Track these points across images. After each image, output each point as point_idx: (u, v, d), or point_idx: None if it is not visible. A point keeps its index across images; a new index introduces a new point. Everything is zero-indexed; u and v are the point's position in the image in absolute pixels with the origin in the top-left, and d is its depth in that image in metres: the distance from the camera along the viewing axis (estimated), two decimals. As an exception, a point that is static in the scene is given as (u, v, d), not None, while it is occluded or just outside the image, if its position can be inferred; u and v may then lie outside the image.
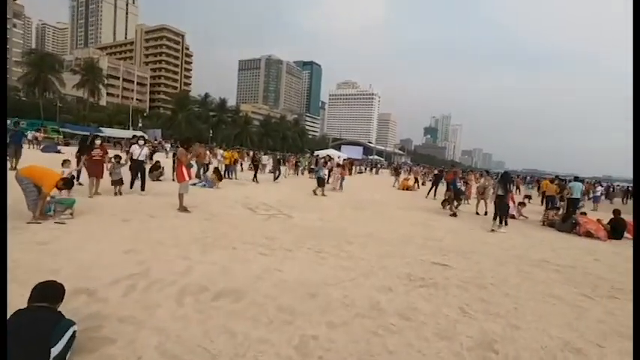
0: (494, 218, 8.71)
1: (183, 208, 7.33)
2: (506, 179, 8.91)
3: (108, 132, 46.04)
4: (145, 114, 69.70)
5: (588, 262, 6.37)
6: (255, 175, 15.59)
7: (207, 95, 73.91)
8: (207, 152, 15.90)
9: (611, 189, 26.62)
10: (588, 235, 8.95)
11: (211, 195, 10.26)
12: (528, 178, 39.71)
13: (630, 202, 25.93)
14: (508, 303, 3.98)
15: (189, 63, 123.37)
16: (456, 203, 11.17)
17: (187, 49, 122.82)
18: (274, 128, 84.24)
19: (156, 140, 40.15)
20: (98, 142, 8.45)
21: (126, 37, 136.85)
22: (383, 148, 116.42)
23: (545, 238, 8.48)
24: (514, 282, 4.77)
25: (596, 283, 5.09)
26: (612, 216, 9.62)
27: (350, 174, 25.58)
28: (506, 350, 2.92)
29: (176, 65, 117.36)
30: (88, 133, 25.28)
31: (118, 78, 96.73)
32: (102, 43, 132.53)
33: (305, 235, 6.36)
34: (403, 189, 19.56)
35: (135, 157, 9.02)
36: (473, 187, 14.95)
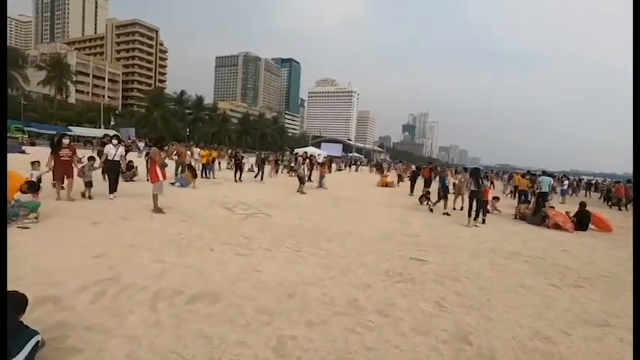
0: (469, 214, 8.88)
1: (157, 210, 7.11)
2: (477, 175, 9.12)
3: (78, 131, 44.12)
4: (117, 112, 67.15)
5: (556, 253, 6.66)
6: (239, 175, 15.07)
7: (183, 92, 72.08)
8: (189, 152, 15.18)
9: (575, 183, 27.92)
10: (557, 227, 9.36)
11: (188, 195, 10.02)
12: (502, 173, 41.14)
13: (593, 194, 27.35)
14: (482, 295, 4.10)
15: (163, 59, 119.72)
16: (442, 202, 11.03)
17: (161, 44, 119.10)
18: (253, 126, 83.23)
19: (129, 139, 38.78)
20: (66, 141, 7.81)
21: (95, 32, 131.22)
22: (362, 145, 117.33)
23: (517, 231, 8.79)
24: (487, 274, 4.91)
25: (564, 272, 5.32)
26: (578, 208, 10.10)
27: (330, 172, 25.65)
28: (480, 341, 3.00)
29: (150, 61, 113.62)
30: (55, 133, 24.12)
31: (88, 74, 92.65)
32: (69, 38, 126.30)
33: (284, 234, 6.31)
34: (383, 186, 19.80)
35: (110, 158, 8.29)
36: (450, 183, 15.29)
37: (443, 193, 11.12)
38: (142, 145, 27.59)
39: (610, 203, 19.95)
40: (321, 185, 15.28)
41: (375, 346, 2.80)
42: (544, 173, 12.28)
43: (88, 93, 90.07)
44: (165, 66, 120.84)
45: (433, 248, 6.16)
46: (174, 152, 14.25)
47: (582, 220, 9.71)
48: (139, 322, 2.87)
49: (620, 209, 18.34)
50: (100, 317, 2.88)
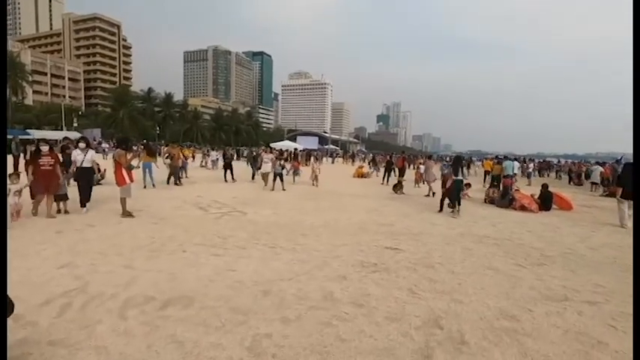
0: (454, 205, 8.61)
1: (126, 214, 6.87)
2: (458, 163, 8.87)
3: (37, 134, 41.52)
4: (80, 112, 63.84)
5: (522, 234, 6.99)
6: (230, 174, 14.22)
7: (150, 90, 69.47)
8: (182, 153, 13.74)
9: (540, 166, 29.18)
10: (523, 208, 9.82)
11: (159, 196, 9.73)
12: (474, 159, 42.53)
13: (552, 175, 28.75)
14: (453, 280, 4.26)
15: (127, 55, 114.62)
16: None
17: (125, 40, 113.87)
18: (226, 122, 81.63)
19: (95, 140, 37.04)
20: (45, 148, 6.71)
21: (51, 28, 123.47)
22: (338, 137, 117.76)
23: (486, 215, 9.14)
24: (459, 259, 5.10)
25: (528, 252, 5.61)
26: (541, 190, 10.63)
27: (306, 165, 25.62)
28: (450, 325, 3.13)
29: (113, 58, 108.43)
30: (12, 137, 22.65)
31: (46, 74, 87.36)
32: (22, 35, 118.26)
33: (259, 231, 6.27)
34: (358, 177, 20.01)
35: (80, 165, 7.17)
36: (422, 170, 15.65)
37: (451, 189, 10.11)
38: (105, 146, 26.07)
39: (572, 182, 21.14)
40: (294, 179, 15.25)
41: (350, 338, 2.85)
42: (506, 158, 12.80)
43: (46, 94, 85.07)
44: (130, 62, 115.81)
45: (407, 236, 6.32)
46: (166, 155, 13.51)
47: (545, 201, 10.23)
48: (107, 332, 2.78)
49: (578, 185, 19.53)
50: (65, 331, 2.77)
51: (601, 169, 17.34)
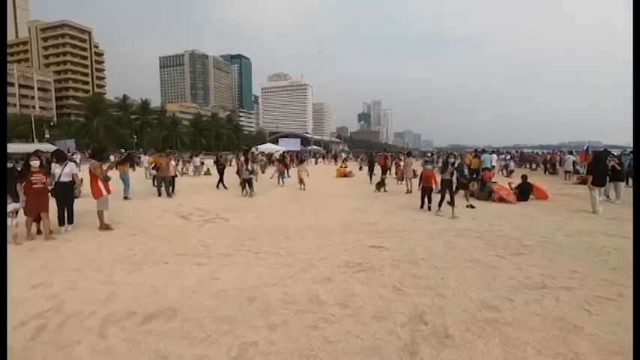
0: (452, 205, 8.00)
1: (104, 226, 6.67)
2: (447, 163, 8.41)
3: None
4: (52, 123, 61.53)
5: (501, 224, 7.19)
6: (220, 181, 13.75)
7: (126, 97, 67.68)
8: (173, 162, 12.35)
9: (517, 157, 30.02)
10: (502, 200, 10.10)
11: (138, 207, 9.49)
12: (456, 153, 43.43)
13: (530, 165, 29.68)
14: (436, 274, 4.33)
15: (100, 63, 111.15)
16: (462, 192, 9.55)
17: (96, 47, 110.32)
18: (206, 127, 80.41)
19: (69, 152, 35.77)
20: (36, 163, 6.01)
21: (17, 36, 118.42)
22: (320, 137, 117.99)
23: (467, 207, 9.35)
24: (441, 253, 5.20)
25: (507, 243, 5.77)
26: (521, 181, 10.97)
27: (291, 166, 25.52)
28: (434, 319, 3.18)
29: (85, 66, 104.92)
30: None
31: (13, 84, 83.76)
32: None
33: (243, 236, 6.21)
34: (341, 176, 20.09)
35: (57, 179, 6.55)
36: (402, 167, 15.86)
37: (461, 183, 9.51)
38: (77, 157, 24.85)
39: (547, 172, 21.91)
40: (280, 182, 15.17)
41: (337, 339, 2.86)
42: (484, 151, 13.14)
43: (15, 105, 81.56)
44: (103, 70, 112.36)
45: (391, 234, 6.39)
46: (152, 166, 12.88)
47: (523, 192, 10.56)
48: (87, 352, 2.69)
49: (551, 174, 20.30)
50: (41, 354, 2.66)
51: (573, 158, 18.04)
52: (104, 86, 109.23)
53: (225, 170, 14.29)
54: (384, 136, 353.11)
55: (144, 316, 3.25)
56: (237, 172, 13.05)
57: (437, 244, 5.75)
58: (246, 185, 11.53)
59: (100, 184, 6.60)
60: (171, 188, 11.68)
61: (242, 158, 12.36)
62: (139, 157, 25.51)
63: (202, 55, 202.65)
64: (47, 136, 48.60)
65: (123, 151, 34.63)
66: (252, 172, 11.91)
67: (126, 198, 10.75)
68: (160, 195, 11.41)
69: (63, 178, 6.59)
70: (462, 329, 3.00)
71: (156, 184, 12.74)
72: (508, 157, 23.48)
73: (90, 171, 6.71)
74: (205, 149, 68.45)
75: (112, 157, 19.19)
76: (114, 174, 8.36)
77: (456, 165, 8.42)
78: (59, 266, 4.62)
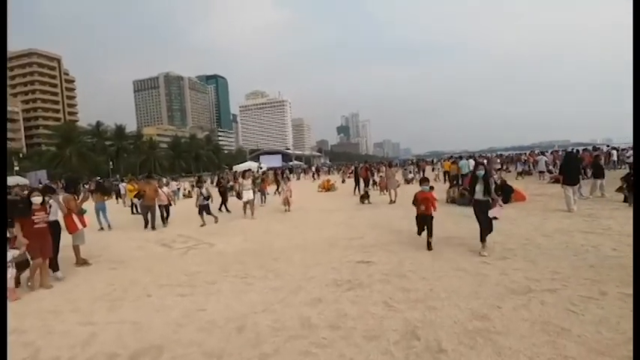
0: (483, 236, 5.72)
1: (81, 262, 6.38)
2: (475, 177, 6.07)
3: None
4: (21, 155, 59.15)
5: (484, 230, 7.32)
6: (223, 204, 12.90)
7: (99, 123, 66.02)
8: (162, 190, 10.93)
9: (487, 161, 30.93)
10: (482, 204, 10.33)
11: (116, 238, 9.15)
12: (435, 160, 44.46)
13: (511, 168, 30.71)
14: (425, 286, 4.35)
15: (71, 90, 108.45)
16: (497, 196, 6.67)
17: (67, 74, 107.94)
18: (185, 149, 79.34)
19: (40, 184, 34.35)
20: (38, 200, 5.28)
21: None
22: (301, 152, 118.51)
23: (449, 213, 9.51)
24: (428, 264, 5.23)
25: (491, 247, 5.86)
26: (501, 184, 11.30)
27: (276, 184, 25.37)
28: (427, 334, 3.17)
29: (55, 94, 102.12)
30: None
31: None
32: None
33: (229, 261, 6.07)
34: (324, 190, 20.12)
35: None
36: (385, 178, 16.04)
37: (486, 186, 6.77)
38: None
39: (522, 175, 22.66)
40: (263, 201, 15.01)
41: (331, 364, 2.80)
42: (460, 158, 13.50)
43: (-20, 137, 77.98)
44: (75, 97, 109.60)
45: (377, 248, 6.39)
46: (135, 193, 11.98)
47: (505, 194, 10.89)
48: (66, 403, 2.52)
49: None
50: (15, 410, 2.47)
51: (545, 158, 18.78)
52: (76, 113, 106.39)
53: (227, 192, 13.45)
54: (363, 147, 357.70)
55: (127, 358, 3.09)
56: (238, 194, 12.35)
57: (423, 254, 5.78)
58: (203, 213, 10.22)
59: (75, 218, 6.34)
60: (166, 217, 10.67)
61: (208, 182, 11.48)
62: (120, 186, 24.59)
63: (177, 77, 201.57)
64: (17, 168, 46.56)
65: (99, 179, 33.60)
66: (207, 197, 10.42)
67: (101, 229, 10.36)
68: (146, 227, 10.11)
69: (52, 217, 5.76)
70: (455, 342, 3.00)
71: (138, 211, 12.20)
72: (485, 161, 24.19)
73: (64, 204, 6.43)
74: (185, 171, 67.45)
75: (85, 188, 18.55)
76: (89, 205, 8.07)
77: (482, 175, 5.79)
78: (34, 309, 4.36)
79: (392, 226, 8.37)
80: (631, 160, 16.80)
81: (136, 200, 11.83)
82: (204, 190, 10.42)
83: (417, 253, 5.88)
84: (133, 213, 14.22)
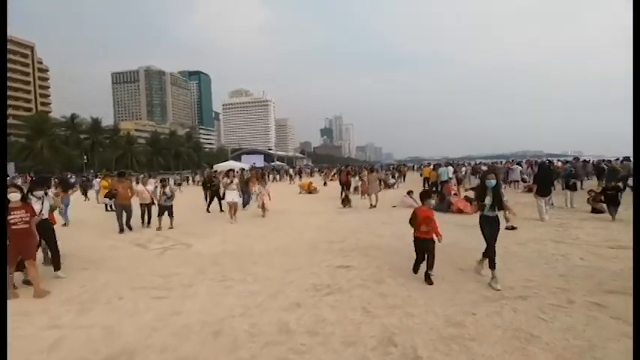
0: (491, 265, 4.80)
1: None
2: (484, 186, 5.21)
3: None
4: (-13, 145, 56.04)
5: (459, 236, 7.51)
6: (210, 204, 12.21)
7: (74, 116, 63.46)
8: (150, 186, 10.12)
9: (472, 169, 31.85)
10: (460, 211, 10.61)
11: (89, 236, 8.81)
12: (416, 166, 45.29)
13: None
14: (403, 292, 4.41)
15: (44, 79, 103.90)
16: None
17: (40, 62, 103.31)
18: (164, 145, 77.38)
19: (8, 177, 32.66)
20: (16, 196, 4.70)
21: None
22: (284, 153, 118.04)
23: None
24: (407, 270, 5.29)
25: (466, 255, 6.01)
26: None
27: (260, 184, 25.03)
28: (404, 340, 3.21)
29: (27, 83, 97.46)
30: None
31: (-60, 103, 75.67)
32: None
33: (206, 263, 5.95)
34: (306, 192, 20.11)
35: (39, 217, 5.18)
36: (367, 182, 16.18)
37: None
38: (20, 181, 22.45)
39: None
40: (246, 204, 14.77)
41: (308, 371, 2.79)
42: (438, 165, 13.82)
43: (-58, 125, 73.48)
44: (48, 87, 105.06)
45: (357, 252, 6.43)
46: (107, 192, 10.92)
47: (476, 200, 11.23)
48: (28, 413, 2.39)
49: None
50: (-29, 421, 2.33)
51: (520, 168, 19.46)
52: (49, 104, 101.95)
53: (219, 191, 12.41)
54: (346, 151, 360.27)
55: (97, 364, 2.97)
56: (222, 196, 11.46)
57: (402, 260, 5.84)
58: (164, 214, 9.42)
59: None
60: (148, 219, 9.86)
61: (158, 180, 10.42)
62: (88, 179, 23.66)
63: (159, 72, 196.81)
64: (-18, 159, 44.05)
65: (68, 175, 32.25)
66: (170, 197, 9.52)
67: (65, 225, 9.92)
68: (121, 231, 9.08)
69: (45, 215, 5.39)
70: (431, 349, 3.06)
71: (112, 209, 11.60)
72: (463, 168, 24.82)
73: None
74: (163, 168, 65.84)
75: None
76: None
77: (492, 186, 4.93)
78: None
79: (372, 231, 8.45)
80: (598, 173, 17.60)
81: (106, 200, 11.01)
82: (167, 190, 9.55)
83: (395, 257, 5.95)
84: (107, 210, 13.75)
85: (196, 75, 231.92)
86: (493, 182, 4.92)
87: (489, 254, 4.79)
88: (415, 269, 5.03)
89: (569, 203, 11.04)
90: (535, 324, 3.46)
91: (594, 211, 9.78)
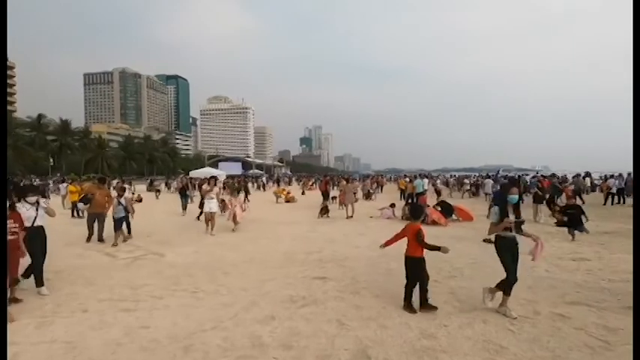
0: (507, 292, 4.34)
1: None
2: (505, 202, 4.68)
3: None
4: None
5: (435, 248, 7.67)
6: (202, 213, 10.77)
7: (41, 116, 60.50)
8: (128, 194, 9.64)
9: (447, 181, 32.88)
10: (434, 223, 10.86)
11: (52, 243, 8.31)
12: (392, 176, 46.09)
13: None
14: (378, 304, 4.43)
15: (10, 77, 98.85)
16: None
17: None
18: (138, 150, 75.05)
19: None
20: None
21: None
22: (262, 161, 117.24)
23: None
24: (382, 281, 5.35)
25: (441, 266, 6.12)
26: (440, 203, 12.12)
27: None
28: (377, 353, 3.22)
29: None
30: None
31: None
32: None
33: (178, 274, 5.77)
34: (286, 201, 20.00)
35: (30, 224, 4.83)
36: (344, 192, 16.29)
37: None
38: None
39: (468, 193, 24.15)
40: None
41: (281, 387, 2.74)
42: (415, 177, 14.20)
43: None
44: (14, 85, 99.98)
45: (334, 263, 6.44)
46: (81, 197, 10.11)
47: (446, 211, 11.67)
48: None
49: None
50: None
51: (492, 181, 20.23)
52: (14, 103, 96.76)
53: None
54: (325, 160, 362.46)
55: (55, 383, 2.79)
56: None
57: (378, 271, 5.91)
58: (120, 226, 8.36)
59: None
60: (125, 230, 8.78)
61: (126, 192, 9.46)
62: (49, 184, 22.47)
63: (134, 74, 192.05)
64: None
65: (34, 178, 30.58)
66: (126, 209, 8.58)
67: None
68: (89, 240, 8.53)
69: (38, 222, 4.94)
70: (404, 361, 3.08)
71: (79, 215, 10.97)
72: (438, 180, 25.55)
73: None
74: (136, 173, 63.76)
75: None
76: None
77: (514, 201, 4.31)
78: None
79: (349, 242, 8.49)
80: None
81: (81, 205, 10.16)
82: (122, 200, 8.53)
83: (372, 269, 6.00)
84: (73, 216, 13.12)
85: (174, 79, 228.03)
86: (516, 198, 4.18)
87: (509, 282, 4.05)
88: (408, 302, 4.23)
89: (538, 217, 11.61)
90: (504, 335, 3.56)
91: (559, 224, 10.27)
